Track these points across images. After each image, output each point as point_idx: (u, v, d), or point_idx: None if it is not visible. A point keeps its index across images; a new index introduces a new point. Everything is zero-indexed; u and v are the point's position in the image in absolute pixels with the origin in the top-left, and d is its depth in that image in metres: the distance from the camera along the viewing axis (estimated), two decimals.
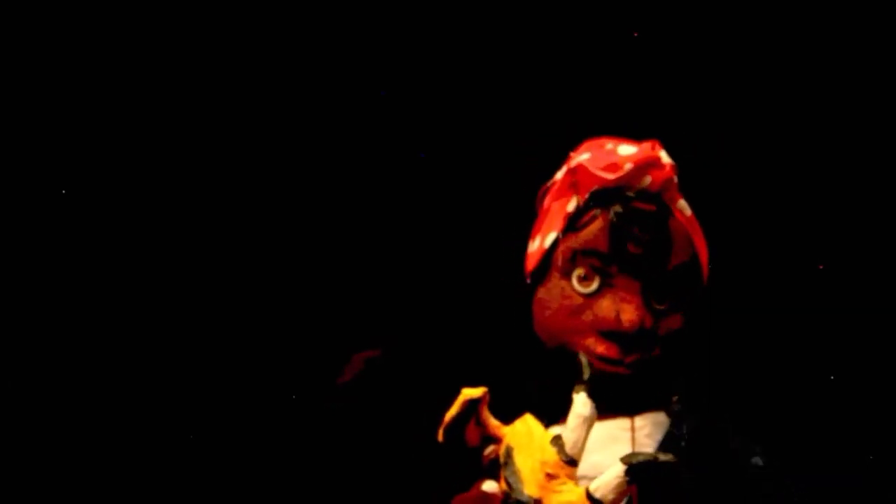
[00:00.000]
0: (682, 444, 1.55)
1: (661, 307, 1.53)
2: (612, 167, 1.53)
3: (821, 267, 2.19)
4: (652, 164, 1.55)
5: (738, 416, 1.65)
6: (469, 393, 1.45)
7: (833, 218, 2.20)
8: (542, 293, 1.56)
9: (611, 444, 1.54)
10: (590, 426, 1.43)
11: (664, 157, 1.59)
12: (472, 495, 1.45)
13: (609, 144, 1.59)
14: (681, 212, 1.60)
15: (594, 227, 1.52)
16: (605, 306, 1.51)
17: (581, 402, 1.42)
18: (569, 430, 1.44)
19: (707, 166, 1.94)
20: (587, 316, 1.53)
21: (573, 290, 1.53)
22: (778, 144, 2.21)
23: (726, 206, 2.10)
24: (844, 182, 2.21)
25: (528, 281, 1.58)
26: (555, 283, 1.55)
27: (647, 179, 1.54)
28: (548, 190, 1.62)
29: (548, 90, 2.21)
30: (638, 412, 1.56)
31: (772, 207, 2.21)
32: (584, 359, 1.44)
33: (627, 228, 1.51)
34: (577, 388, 1.43)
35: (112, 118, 2.23)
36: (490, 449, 1.47)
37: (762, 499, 1.52)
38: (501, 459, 1.46)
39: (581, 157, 1.57)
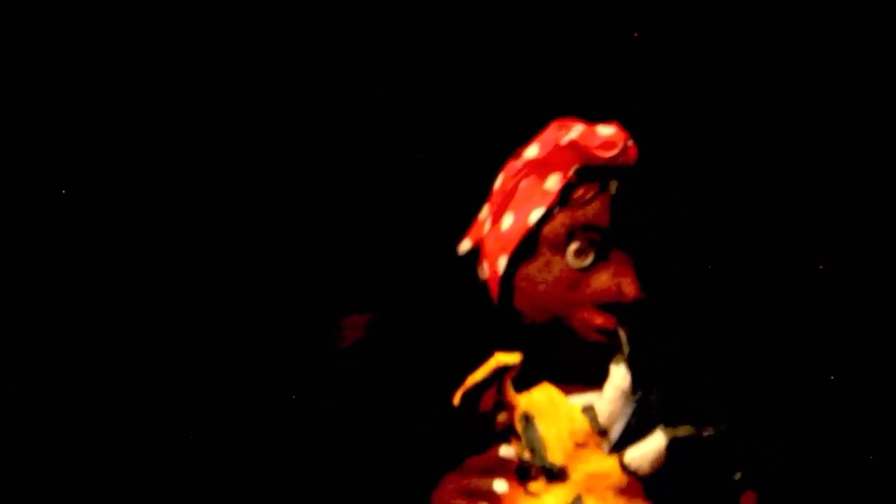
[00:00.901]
0: (653, 412, 1.57)
1: (653, 281, 1.56)
2: (608, 145, 1.57)
3: (821, 267, 2.19)
4: (630, 142, 1.60)
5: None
6: (503, 359, 1.46)
7: (833, 218, 2.21)
8: (531, 269, 1.57)
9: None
10: (625, 399, 1.45)
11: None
12: (487, 459, 1.46)
13: (581, 125, 1.62)
14: None
15: (595, 203, 1.55)
16: (604, 279, 1.53)
17: (621, 375, 1.44)
18: (605, 401, 1.45)
19: (702, 164, 1.94)
20: (584, 289, 1.54)
21: (567, 264, 1.55)
22: (776, 144, 2.22)
23: (726, 205, 2.10)
24: (844, 182, 2.21)
25: (505, 258, 1.58)
26: (546, 259, 1.56)
27: (631, 157, 1.60)
28: (514, 169, 1.64)
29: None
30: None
31: (770, 207, 2.21)
32: (623, 334, 1.48)
33: (629, 203, 1.54)
34: (616, 360, 1.45)
35: (112, 118, 2.23)
36: (504, 415, 1.48)
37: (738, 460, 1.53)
38: (519, 426, 1.46)
39: (569, 135, 1.59)
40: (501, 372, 1.45)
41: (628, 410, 1.57)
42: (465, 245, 1.67)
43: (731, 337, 2.07)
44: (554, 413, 1.46)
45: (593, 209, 1.56)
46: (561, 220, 1.56)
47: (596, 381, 1.49)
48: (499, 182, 1.66)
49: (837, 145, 2.20)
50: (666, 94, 2.17)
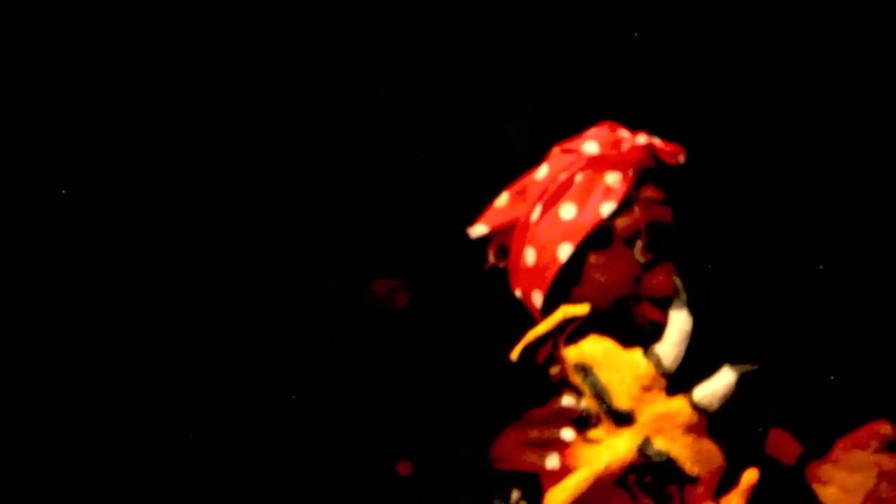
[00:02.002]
0: None
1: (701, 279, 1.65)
2: (678, 153, 1.67)
3: (821, 267, 2.20)
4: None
5: None
6: (571, 310, 1.52)
7: (834, 218, 2.21)
8: (600, 258, 1.63)
9: None
10: (687, 342, 1.51)
11: None
12: (548, 410, 1.51)
13: (624, 131, 1.69)
14: None
15: (663, 203, 1.64)
16: (661, 275, 1.60)
17: (683, 319, 1.52)
18: (669, 345, 1.51)
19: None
20: (643, 283, 1.62)
21: (633, 259, 1.62)
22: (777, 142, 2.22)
23: (727, 205, 2.11)
24: (845, 181, 2.21)
25: (570, 246, 1.64)
26: (617, 251, 1.63)
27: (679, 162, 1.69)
28: (565, 161, 1.69)
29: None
30: None
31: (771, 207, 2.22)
32: (678, 281, 1.55)
33: (687, 206, 1.65)
34: (676, 305, 1.53)
35: (112, 118, 2.24)
36: (557, 368, 1.55)
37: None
38: (577, 378, 1.51)
39: (639, 138, 1.67)
40: (568, 323, 1.51)
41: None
42: (479, 229, 1.71)
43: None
44: (613, 361, 1.51)
45: (662, 209, 1.63)
46: (633, 216, 1.63)
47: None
48: (543, 172, 1.70)
49: (836, 144, 2.21)
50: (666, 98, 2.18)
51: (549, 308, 1.62)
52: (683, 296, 1.53)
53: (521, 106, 2.24)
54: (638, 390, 1.49)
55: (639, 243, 1.62)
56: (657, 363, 1.50)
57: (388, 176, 2.25)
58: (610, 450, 1.48)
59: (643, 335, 1.57)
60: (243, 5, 2.25)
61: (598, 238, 1.63)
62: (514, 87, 2.27)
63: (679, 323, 1.52)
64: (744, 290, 2.15)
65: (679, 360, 1.51)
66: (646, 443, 1.48)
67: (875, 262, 2.21)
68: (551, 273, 1.64)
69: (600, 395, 1.49)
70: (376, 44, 2.27)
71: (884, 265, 2.20)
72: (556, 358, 1.54)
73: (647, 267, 1.62)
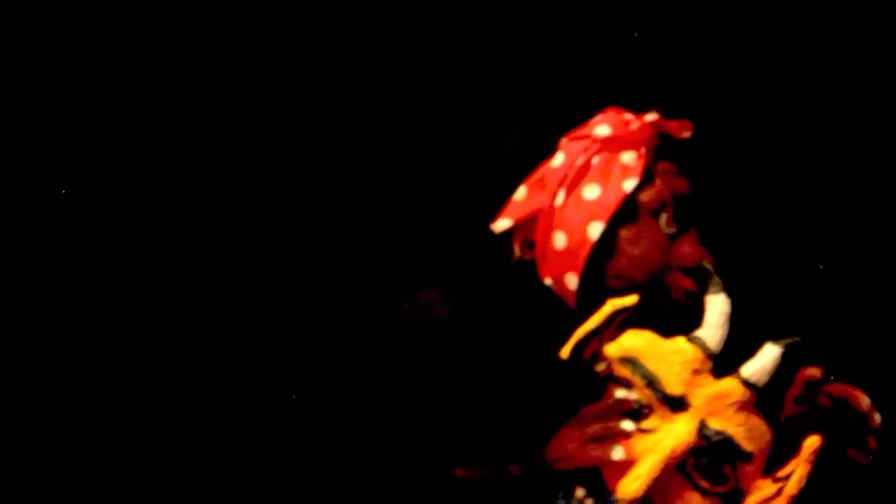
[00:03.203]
0: None
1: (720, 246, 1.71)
2: (686, 126, 1.73)
3: (821, 267, 2.20)
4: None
5: None
6: (618, 303, 1.57)
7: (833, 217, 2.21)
8: (630, 233, 1.69)
9: None
10: (729, 324, 1.56)
11: None
12: (603, 405, 1.56)
13: (629, 114, 1.75)
14: None
15: (679, 175, 1.70)
16: (688, 245, 1.66)
17: (722, 301, 1.58)
18: (713, 327, 1.56)
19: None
20: (672, 254, 1.67)
21: (660, 230, 1.68)
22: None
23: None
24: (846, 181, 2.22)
25: (601, 224, 1.68)
26: (647, 223, 1.68)
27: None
28: (579, 146, 1.74)
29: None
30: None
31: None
32: (710, 265, 1.61)
33: (703, 176, 1.71)
34: (713, 290, 1.59)
35: (112, 118, 2.24)
36: (603, 364, 1.59)
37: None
38: (626, 371, 1.55)
39: (647, 117, 1.72)
40: (616, 315, 1.56)
41: None
42: (502, 223, 1.75)
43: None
44: (657, 350, 1.55)
45: (680, 181, 1.69)
46: (657, 188, 1.68)
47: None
48: (559, 160, 1.74)
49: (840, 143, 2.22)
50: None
51: (585, 290, 1.68)
52: (717, 279, 1.58)
53: (517, 113, 2.25)
54: (688, 375, 1.54)
55: (664, 215, 1.67)
56: (703, 346, 1.55)
57: (390, 177, 2.25)
58: (671, 435, 1.52)
59: (680, 308, 1.63)
60: (243, 5, 2.25)
61: (626, 213, 1.68)
62: (514, 86, 2.27)
63: (718, 305, 1.57)
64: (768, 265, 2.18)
65: (723, 342, 1.56)
66: (703, 425, 1.52)
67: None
68: (584, 252, 1.69)
69: (652, 383, 1.53)
70: (376, 44, 2.27)
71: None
72: (599, 355, 1.58)
73: (673, 237, 1.67)
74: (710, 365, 1.55)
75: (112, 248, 2.22)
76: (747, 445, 1.54)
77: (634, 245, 1.68)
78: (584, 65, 2.23)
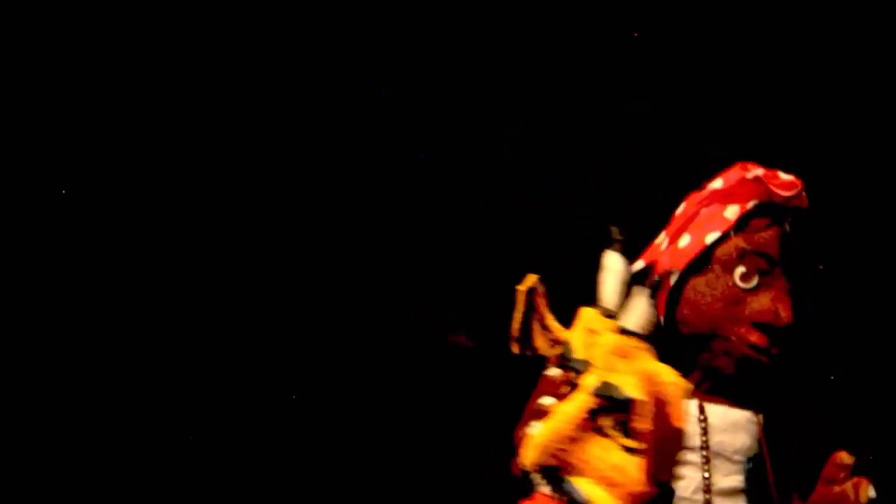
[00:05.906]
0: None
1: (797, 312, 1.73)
2: (789, 185, 1.74)
3: (820, 267, 2.20)
4: (803, 189, 1.77)
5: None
6: (521, 287, 1.59)
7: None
8: (699, 283, 1.72)
9: (737, 431, 1.71)
10: (623, 281, 1.61)
11: None
12: (539, 386, 1.60)
13: (760, 170, 1.77)
14: None
15: (768, 233, 1.72)
16: (765, 301, 1.69)
17: (613, 259, 1.62)
18: (603, 284, 1.60)
19: None
20: (745, 308, 1.70)
21: (734, 284, 1.70)
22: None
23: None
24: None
25: (679, 272, 1.73)
26: (716, 276, 1.71)
27: (804, 201, 1.76)
28: (698, 197, 1.79)
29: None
30: (762, 410, 1.75)
31: None
32: (615, 228, 1.64)
33: (795, 238, 1.71)
34: (609, 248, 1.62)
35: (111, 118, 2.24)
36: (554, 351, 1.61)
37: None
38: (568, 353, 1.58)
39: (754, 171, 1.75)
40: (531, 293, 1.58)
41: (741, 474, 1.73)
42: (638, 264, 1.78)
43: None
44: (576, 325, 1.60)
45: (766, 238, 1.72)
46: (735, 243, 1.72)
47: (740, 397, 1.68)
48: (681, 209, 1.80)
49: None
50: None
51: (667, 335, 1.71)
52: (620, 237, 1.62)
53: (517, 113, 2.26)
54: (587, 336, 1.57)
55: (740, 268, 1.70)
56: (598, 306, 1.60)
57: (390, 177, 2.26)
58: (569, 401, 1.53)
59: (748, 363, 1.66)
60: (244, 6, 2.25)
61: (701, 263, 1.72)
62: (513, 86, 2.27)
63: (609, 263, 1.62)
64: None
65: (616, 297, 1.61)
66: (604, 385, 1.53)
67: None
68: (664, 298, 1.74)
69: (564, 354, 1.57)
70: (376, 44, 2.28)
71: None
72: (558, 343, 1.61)
73: (748, 292, 1.69)
74: (610, 324, 1.59)
75: (112, 248, 2.22)
76: (632, 392, 1.54)
77: (696, 294, 1.71)
78: (587, 67, 2.24)
